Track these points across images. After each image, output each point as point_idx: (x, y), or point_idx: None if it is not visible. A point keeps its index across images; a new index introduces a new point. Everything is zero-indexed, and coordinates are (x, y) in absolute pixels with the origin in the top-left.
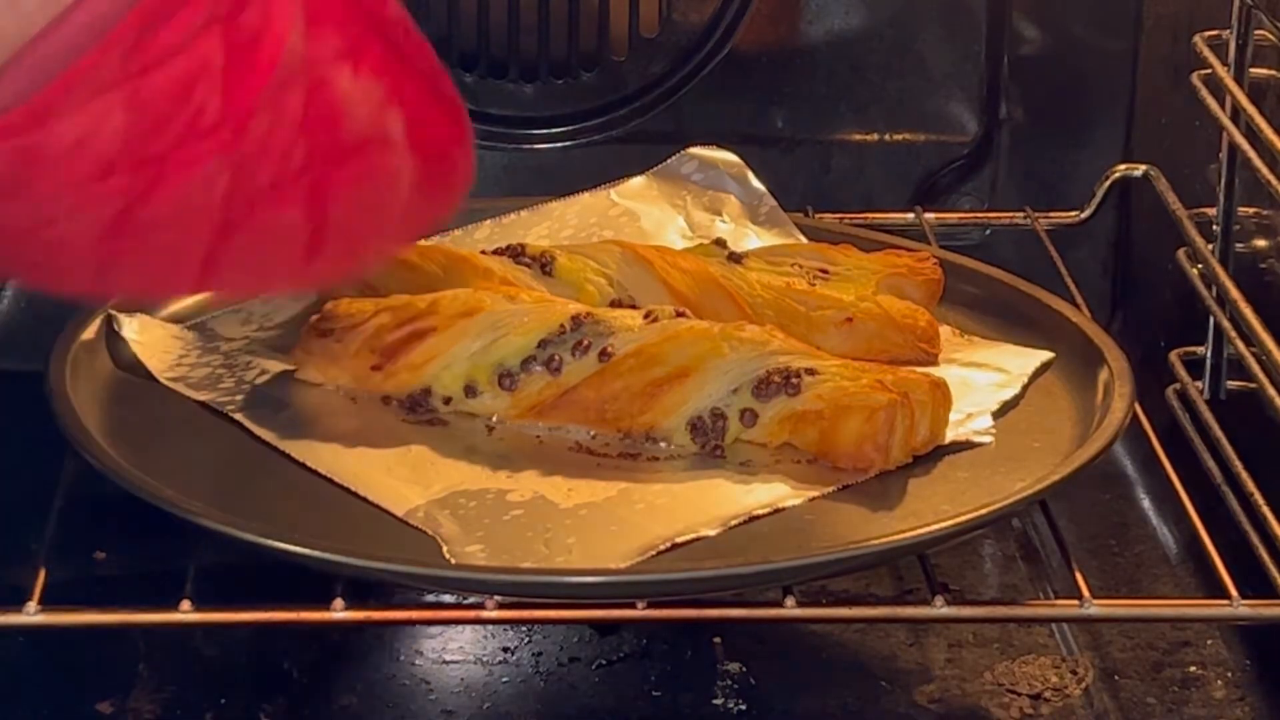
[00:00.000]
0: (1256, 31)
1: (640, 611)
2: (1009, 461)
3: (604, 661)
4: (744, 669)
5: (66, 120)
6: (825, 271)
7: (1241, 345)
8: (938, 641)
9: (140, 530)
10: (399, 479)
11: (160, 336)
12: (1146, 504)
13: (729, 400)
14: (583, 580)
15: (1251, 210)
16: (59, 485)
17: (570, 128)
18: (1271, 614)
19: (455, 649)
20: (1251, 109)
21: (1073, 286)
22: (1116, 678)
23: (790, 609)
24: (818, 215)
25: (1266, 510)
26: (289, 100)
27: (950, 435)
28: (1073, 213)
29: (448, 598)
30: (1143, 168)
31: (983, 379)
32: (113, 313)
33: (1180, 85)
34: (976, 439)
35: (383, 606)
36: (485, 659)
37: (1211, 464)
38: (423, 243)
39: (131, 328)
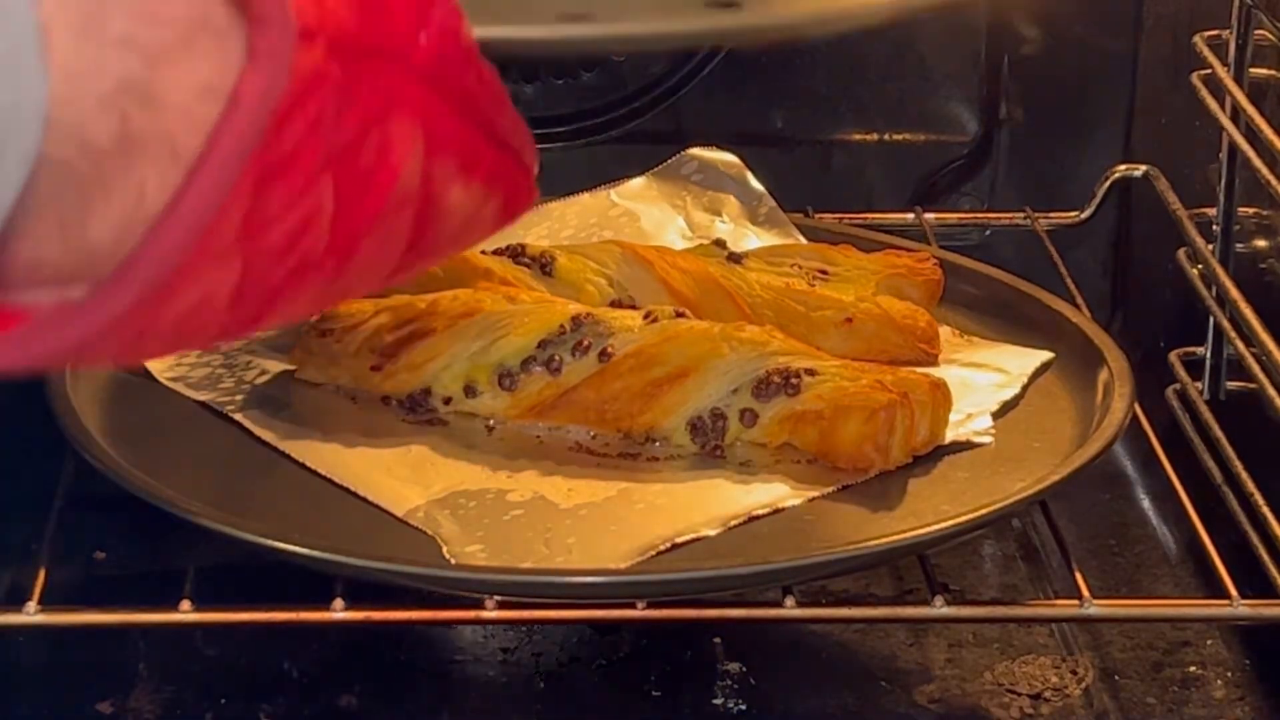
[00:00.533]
0: (1256, 31)
1: (640, 611)
2: (1009, 461)
3: (604, 661)
4: (744, 669)
5: (183, 296)
6: (825, 272)
7: (1241, 345)
8: (938, 641)
9: (140, 530)
10: (399, 479)
11: None
12: (1146, 504)
13: (729, 400)
14: (583, 580)
15: (1251, 210)
16: (59, 485)
17: (570, 128)
18: (1271, 614)
19: (455, 649)
20: (1251, 109)
21: (1072, 286)
22: (1116, 678)
23: (790, 609)
24: (817, 215)
25: (1266, 510)
26: (398, 223)
27: (950, 435)
28: (1072, 213)
29: (448, 598)
30: (1143, 168)
31: (983, 379)
32: None
33: (1180, 85)
34: (976, 439)
35: (383, 606)
36: (485, 659)
37: (1211, 464)
38: None
39: None
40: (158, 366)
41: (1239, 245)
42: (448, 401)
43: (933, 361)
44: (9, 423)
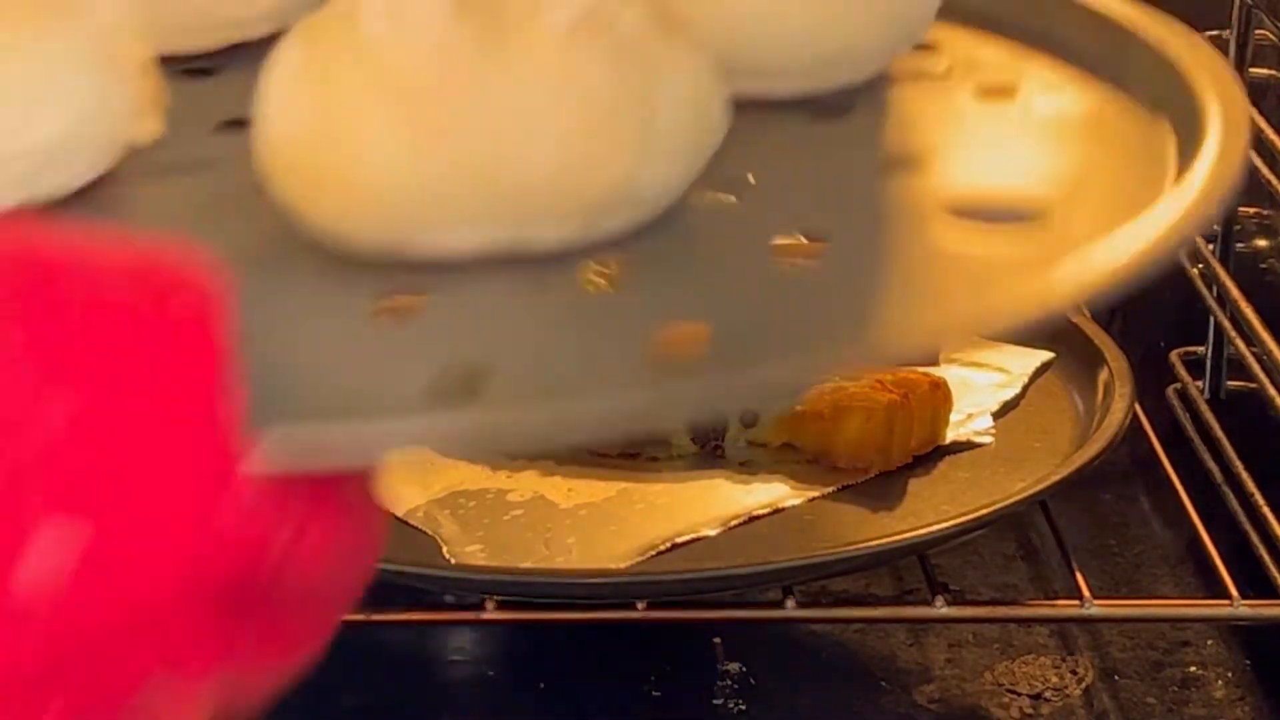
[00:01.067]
0: (1256, 31)
1: (640, 612)
2: (1009, 461)
3: (604, 661)
4: (744, 669)
5: None
6: None
7: (1241, 345)
8: (938, 641)
9: None
10: (399, 479)
11: None
12: (1146, 504)
13: None
14: (583, 580)
15: (1252, 210)
16: None
17: None
18: (1271, 614)
19: (455, 649)
20: (1251, 109)
21: None
22: (1116, 678)
23: (790, 609)
24: None
25: (1266, 510)
26: None
27: (950, 435)
28: None
29: (448, 598)
30: None
31: (983, 379)
32: None
33: None
34: (976, 439)
35: (383, 607)
36: (485, 659)
37: (1211, 464)
38: None
39: None
40: None
41: (1239, 245)
42: None
43: (933, 361)
44: None
